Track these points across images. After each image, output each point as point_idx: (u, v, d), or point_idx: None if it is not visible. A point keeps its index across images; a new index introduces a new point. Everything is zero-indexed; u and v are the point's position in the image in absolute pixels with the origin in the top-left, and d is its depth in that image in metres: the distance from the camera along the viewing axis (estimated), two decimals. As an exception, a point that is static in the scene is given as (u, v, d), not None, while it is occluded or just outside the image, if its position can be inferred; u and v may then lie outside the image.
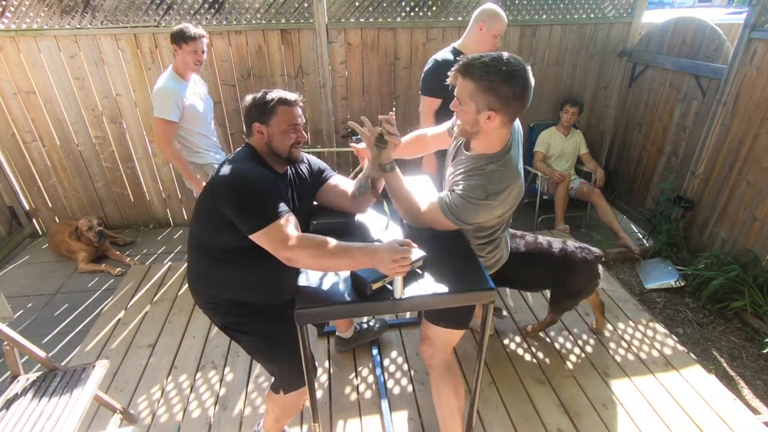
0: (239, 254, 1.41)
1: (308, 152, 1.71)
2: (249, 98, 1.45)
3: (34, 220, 3.69)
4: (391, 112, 1.48)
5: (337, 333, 2.33)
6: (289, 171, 1.56)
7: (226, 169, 1.37)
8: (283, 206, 1.31)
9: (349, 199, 1.65)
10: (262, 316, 1.51)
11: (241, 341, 1.56)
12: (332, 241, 1.27)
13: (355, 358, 2.34)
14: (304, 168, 1.62)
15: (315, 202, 1.71)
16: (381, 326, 2.41)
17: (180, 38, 2.40)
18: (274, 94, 1.42)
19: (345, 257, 1.25)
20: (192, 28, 2.41)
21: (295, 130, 1.44)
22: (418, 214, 1.48)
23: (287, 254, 1.27)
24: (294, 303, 1.25)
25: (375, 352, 2.36)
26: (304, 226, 1.61)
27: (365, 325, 2.39)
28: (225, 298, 1.49)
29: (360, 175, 1.65)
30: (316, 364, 2.24)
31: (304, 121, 1.48)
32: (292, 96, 1.43)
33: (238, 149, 1.50)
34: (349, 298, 1.28)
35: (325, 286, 1.33)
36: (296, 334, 1.28)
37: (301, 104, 1.47)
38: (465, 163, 1.45)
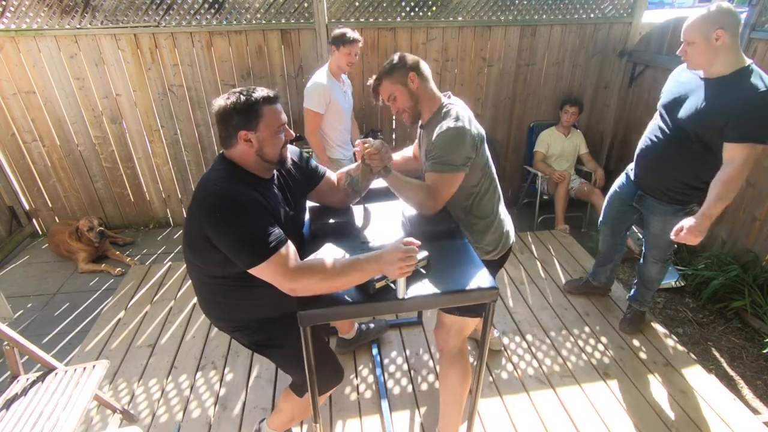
0: (252, 275, 1.29)
1: (308, 152, 1.71)
2: (224, 103, 1.26)
3: (34, 220, 3.69)
4: (358, 141, 1.56)
5: (339, 335, 2.33)
6: (276, 171, 1.47)
7: (212, 199, 1.25)
8: (278, 235, 1.24)
9: (339, 193, 1.68)
10: (288, 327, 1.46)
11: (272, 355, 1.54)
12: (336, 259, 1.24)
13: (355, 358, 2.34)
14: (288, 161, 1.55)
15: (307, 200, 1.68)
16: (382, 326, 2.42)
17: (339, 41, 2.55)
18: (256, 94, 1.27)
19: (353, 271, 1.22)
20: (350, 33, 2.56)
21: (284, 129, 1.35)
22: (427, 193, 1.49)
23: (292, 286, 1.22)
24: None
25: (375, 352, 2.36)
26: (300, 224, 1.61)
27: (366, 326, 2.39)
28: (248, 319, 1.47)
29: (352, 171, 1.68)
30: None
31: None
32: (272, 92, 1.31)
33: (213, 166, 1.36)
34: (351, 299, 1.27)
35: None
36: (320, 338, 1.25)
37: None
38: (427, 131, 1.56)
